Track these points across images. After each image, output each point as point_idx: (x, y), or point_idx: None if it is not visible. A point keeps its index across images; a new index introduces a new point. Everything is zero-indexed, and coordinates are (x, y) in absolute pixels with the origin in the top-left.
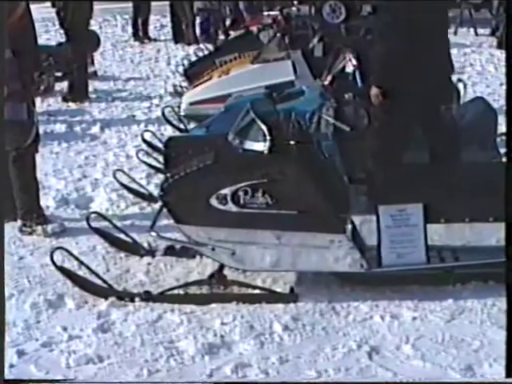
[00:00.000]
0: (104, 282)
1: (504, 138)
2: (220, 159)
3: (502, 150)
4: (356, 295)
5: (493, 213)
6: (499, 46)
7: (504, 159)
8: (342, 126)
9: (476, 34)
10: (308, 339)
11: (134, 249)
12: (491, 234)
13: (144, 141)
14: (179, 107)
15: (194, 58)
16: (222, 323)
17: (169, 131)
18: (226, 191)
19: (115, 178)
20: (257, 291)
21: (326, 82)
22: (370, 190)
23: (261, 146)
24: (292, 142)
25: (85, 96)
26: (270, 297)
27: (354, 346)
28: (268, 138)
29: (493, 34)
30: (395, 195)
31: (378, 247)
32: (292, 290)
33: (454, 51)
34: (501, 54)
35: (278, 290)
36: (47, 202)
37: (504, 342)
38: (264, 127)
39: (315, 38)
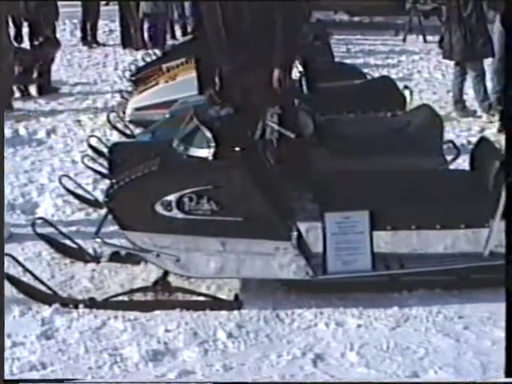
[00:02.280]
0: (48, 288)
1: (451, 145)
2: (165, 165)
3: (449, 157)
4: (301, 302)
5: (439, 220)
6: (444, 57)
7: (450, 166)
8: (286, 132)
9: (425, 41)
10: (252, 346)
11: (79, 255)
12: (438, 241)
13: (90, 146)
14: (125, 112)
15: (141, 63)
16: (166, 330)
17: (115, 137)
18: (171, 198)
19: (61, 183)
20: (201, 298)
21: None
22: (315, 196)
23: (205, 153)
24: (237, 149)
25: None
26: (215, 304)
27: (298, 353)
28: (212, 144)
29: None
30: (341, 202)
31: (323, 254)
32: (236, 297)
33: (402, 58)
34: (449, 62)
35: (223, 297)
36: None
37: (449, 348)
38: (208, 133)
39: None
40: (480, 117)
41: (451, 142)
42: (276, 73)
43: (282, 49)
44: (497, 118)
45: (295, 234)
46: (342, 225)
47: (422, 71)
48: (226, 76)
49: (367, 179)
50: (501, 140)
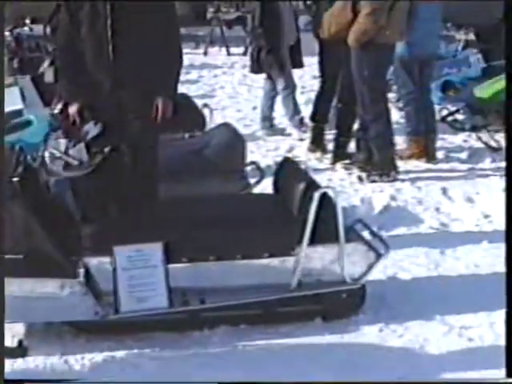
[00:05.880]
0: None
1: (254, 166)
2: None
3: (252, 180)
4: (91, 346)
5: (240, 249)
6: (251, 70)
7: (254, 190)
8: (70, 160)
9: (228, 53)
10: None
11: None
12: (240, 272)
13: None
14: None
15: None
16: None
17: None
18: None
19: None
20: None
21: (57, 111)
22: (103, 229)
23: None
24: (15, 179)
25: None
26: None
27: None
28: None
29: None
30: (132, 234)
31: (114, 292)
32: (20, 343)
33: (203, 73)
34: (255, 76)
35: (5, 343)
36: None
37: None
38: None
39: (46, 62)
40: (289, 134)
41: (254, 163)
42: (159, 102)
43: (169, 78)
44: (308, 134)
45: (82, 270)
46: (134, 259)
47: (226, 87)
48: (102, 90)
49: (160, 207)
50: (311, 159)
